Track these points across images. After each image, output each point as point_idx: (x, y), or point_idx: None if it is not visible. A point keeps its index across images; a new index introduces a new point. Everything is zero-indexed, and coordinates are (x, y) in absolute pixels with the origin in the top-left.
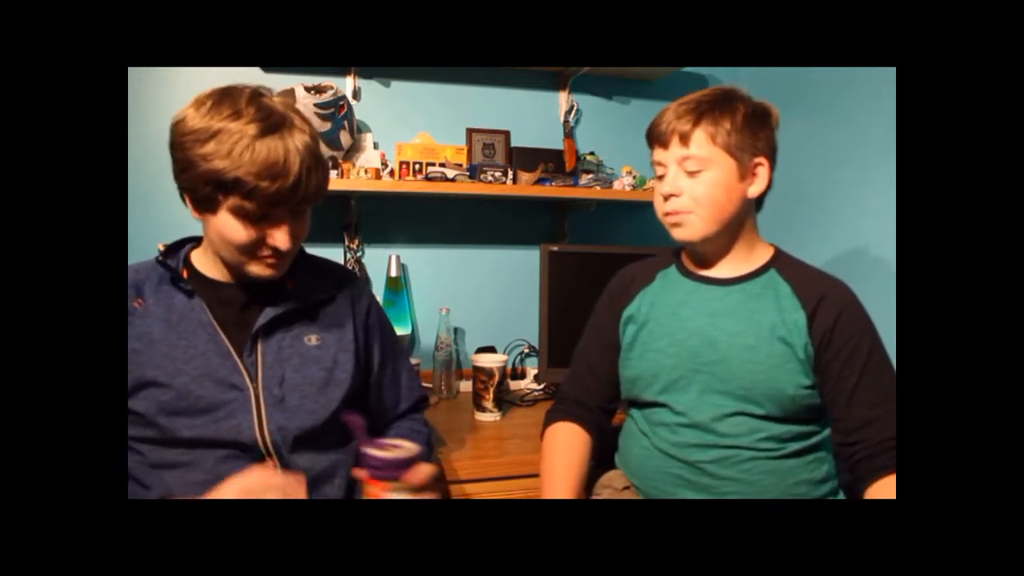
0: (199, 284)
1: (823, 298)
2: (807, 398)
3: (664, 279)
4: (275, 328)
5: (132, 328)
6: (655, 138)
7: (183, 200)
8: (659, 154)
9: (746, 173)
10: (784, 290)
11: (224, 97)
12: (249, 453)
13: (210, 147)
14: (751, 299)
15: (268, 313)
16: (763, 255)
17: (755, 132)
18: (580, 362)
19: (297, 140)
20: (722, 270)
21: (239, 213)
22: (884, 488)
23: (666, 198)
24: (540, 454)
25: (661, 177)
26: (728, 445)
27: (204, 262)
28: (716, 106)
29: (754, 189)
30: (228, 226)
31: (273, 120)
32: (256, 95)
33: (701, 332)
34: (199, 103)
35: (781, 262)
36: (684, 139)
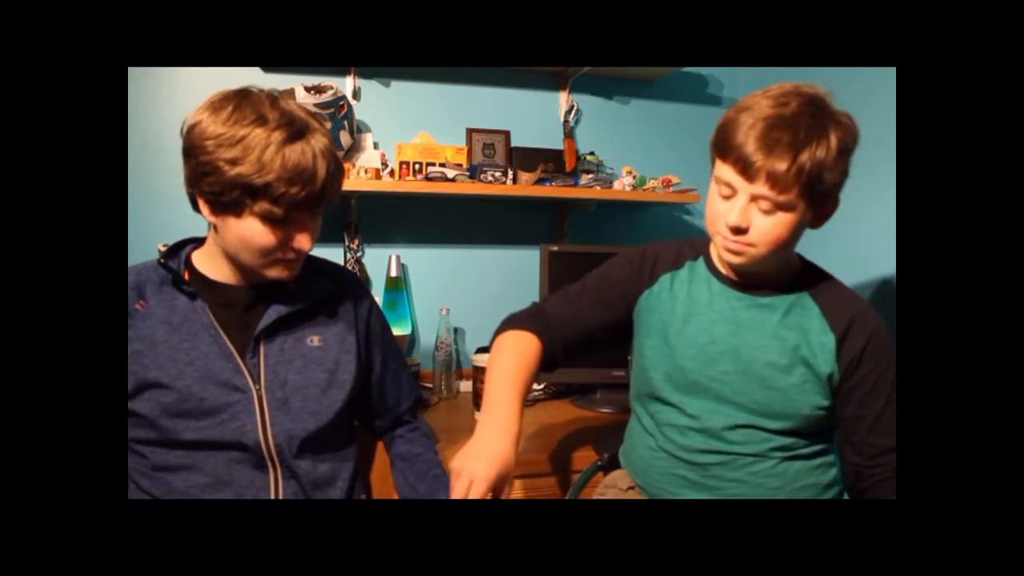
0: (201, 286)
1: (853, 321)
2: (822, 418)
3: (692, 271)
4: (277, 330)
5: (134, 330)
6: (737, 162)
7: (194, 203)
8: (733, 177)
9: (818, 214)
10: (813, 311)
11: (244, 101)
12: (252, 456)
13: (236, 152)
14: (777, 314)
15: (271, 315)
16: (794, 267)
17: (842, 170)
18: (569, 298)
19: (320, 144)
20: (752, 277)
21: (266, 217)
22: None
23: (733, 230)
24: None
25: (726, 197)
26: (736, 452)
27: (206, 263)
28: (812, 135)
29: (818, 222)
30: (253, 230)
31: (298, 125)
32: (275, 99)
33: (723, 340)
34: (216, 108)
35: (811, 279)
36: (775, 181)
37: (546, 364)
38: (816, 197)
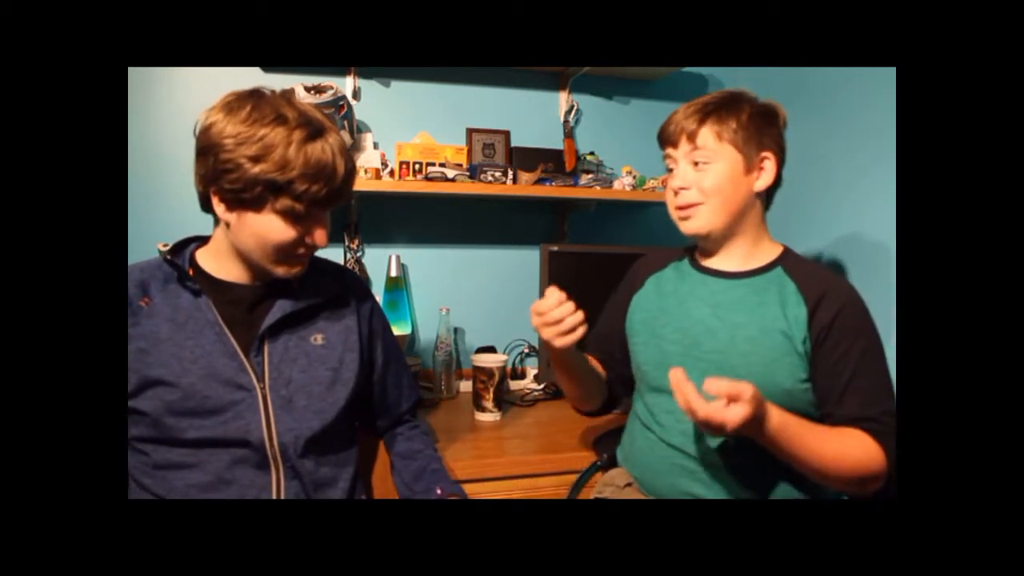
0: (205, 283)
1: (825, 294)
2: (805, 393)
3: (676, 270)
4: (281, 328)
5: (138, 327)
6: (665, 138)
7: (205, 202)
8: (669, 152)
9: (752, 167)
10: (789, 287)
11: (261, 101)
12: (255, 455)
13: (258, 150)
14: (756, 293)
15: (275, 313)
16: (771, 253)
17: (761, 129)
18: (596, 337)
19: (337, 142)
20: (730, 264)
21: (287, 214)
22: (846, 432)
23: (676, 192)
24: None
25: (671, 171)
26: (733, 437)
27: (210, 262)
28: (722, 106)
29: (760, 183)
30: (272, 227)
31: (315, 124)
32: (289, 99)
33: (703, 322)
34: (232, 108)
35: (789, 261)
36: (691, 137)
37: (609, 378)
38: (740, 150)
